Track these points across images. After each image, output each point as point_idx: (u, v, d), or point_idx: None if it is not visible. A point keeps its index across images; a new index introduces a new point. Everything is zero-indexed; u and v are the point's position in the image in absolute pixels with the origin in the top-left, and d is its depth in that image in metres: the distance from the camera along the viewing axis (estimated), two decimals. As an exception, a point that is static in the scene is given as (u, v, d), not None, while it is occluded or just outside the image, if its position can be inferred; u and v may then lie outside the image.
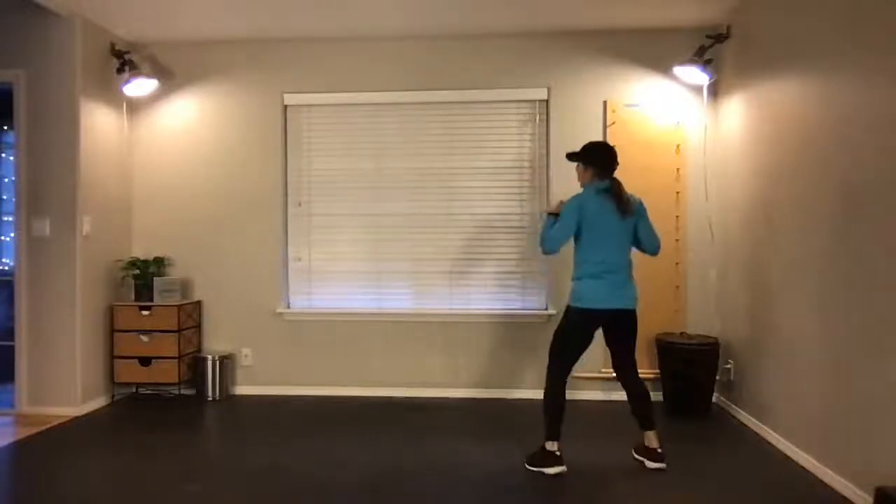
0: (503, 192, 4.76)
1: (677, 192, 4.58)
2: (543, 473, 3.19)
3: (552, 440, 3.20)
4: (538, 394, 4.50)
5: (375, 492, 3.01)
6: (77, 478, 3.25)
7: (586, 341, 3.24)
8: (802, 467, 3.27)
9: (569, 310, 3.23)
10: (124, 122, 4.80)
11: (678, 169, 4.58)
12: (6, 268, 5.80)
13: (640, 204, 3.34)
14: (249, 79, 4.84)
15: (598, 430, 3.93)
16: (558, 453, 3.19)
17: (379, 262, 4.85)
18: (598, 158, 3.28)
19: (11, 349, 4.35)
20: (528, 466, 3.25)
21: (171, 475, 3.24)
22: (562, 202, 3.26)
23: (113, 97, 4.64)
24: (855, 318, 2.87)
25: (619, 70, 4.62)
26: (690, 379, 4.16)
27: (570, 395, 4.51)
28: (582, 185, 3.32)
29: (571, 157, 3.35)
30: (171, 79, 4.86)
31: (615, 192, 3.21)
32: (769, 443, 3.65)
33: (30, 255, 4.31)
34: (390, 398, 4.66)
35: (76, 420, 4.20)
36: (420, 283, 4.83)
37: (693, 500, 2.93)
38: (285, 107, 4.86)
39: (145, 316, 4.59)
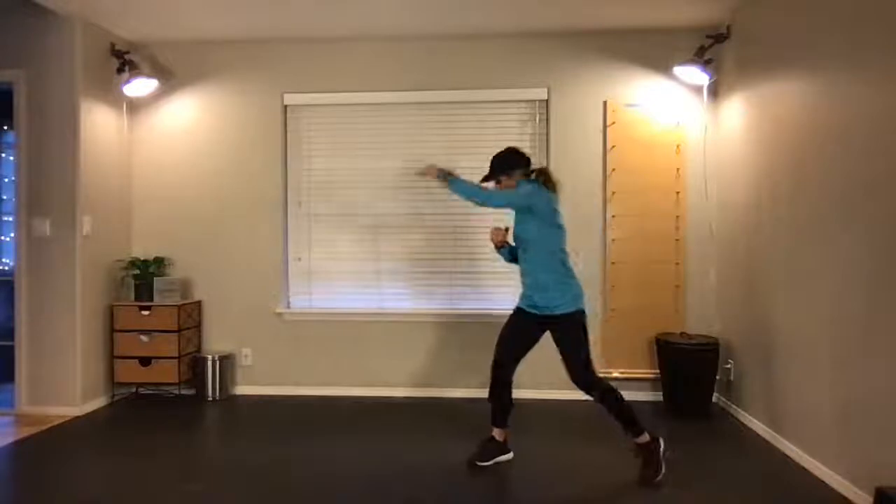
0: (503, 192, 4.75)
1: (677, 192, 4.58)
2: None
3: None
4: (537, 393, 4.51)
5: (375, 492, 3.01)
6: (77, 478, 3.25)
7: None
8: (802, 467, 3.27)
9: (582, 314, 3.19)
10: (124, 122, 4.80)
11: (678, 169, 4.58)
12: (6, 268, 5.79)
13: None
14: (249, 79, 4.84)
15: (599, 431, 3.92)
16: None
17: (379, 262, 4.85)
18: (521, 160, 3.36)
19: (11, 349, 4.35)
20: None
21: (171, 475, 3.24)
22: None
23: (113, 97, 4.64)
24: (855, 317, 2.87)
25: (619, 70, 4.61)
26: (690, 379, 4.16)
27: (571, 394, 4.55)
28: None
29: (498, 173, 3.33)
30: (171, 79, 4.86)
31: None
32: (769, 443, 3.65)
33: (30, 255, 4.31)
34: (390, 398, 4.66)
35: (76, 420, 4.19)
36: (420, 283, 4.82)
37: (693, 499, 2.93)
38: (285, 107, 4.86)
39: (145, 316, 4.58)
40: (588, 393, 3.17)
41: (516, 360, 3.31)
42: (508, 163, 3.31)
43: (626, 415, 3.13)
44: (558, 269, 3.19)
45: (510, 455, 3.37)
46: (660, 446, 3.12)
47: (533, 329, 3.25)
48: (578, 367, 3.14)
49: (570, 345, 3.15)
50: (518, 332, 3.30)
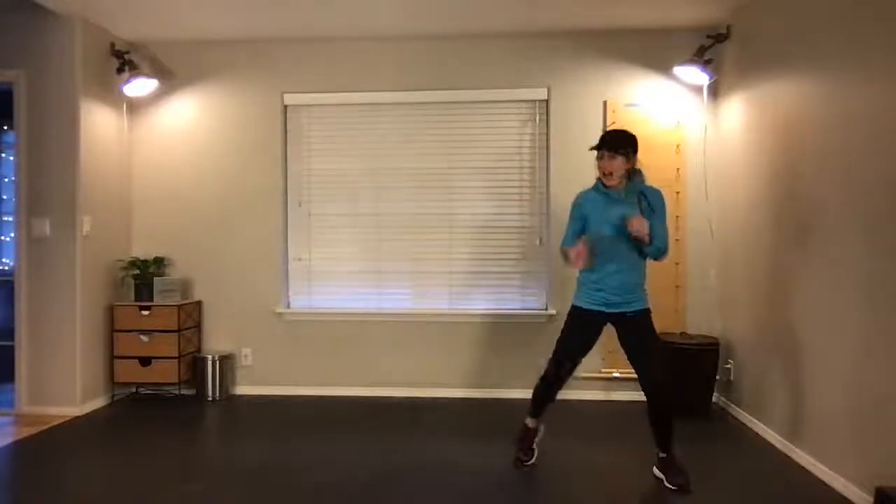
0: (503, 192, 4.76)
1: (677, 192, 4.58)
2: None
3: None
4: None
5: (375, 492, 3.01)
6: (77, 478, 3.25)
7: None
8: (802, 467, 3.27)
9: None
10: (124, 122, 4.80)
11: (678, 169, 4.58)
12: (6, 268, 5.80)
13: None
14: (249, 79, 4.84)
15: (597, 430, 3.93)
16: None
17: (379, 262, 4.85)
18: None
19: (11, 349, 4.35)
20: None
21: (171, 475, 3.24)
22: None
23: (113, 97, 4.64)
24: (855, 317, 2.87)
25: (619, 70, 4.61)
26: (690, 379, 4.15)
27: (572, 395, 4.55)
28: (618, 181, 3.05)
29: (619, 147, 3.02)
30: (171, 79, 4.86)
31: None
32: (769, 443, 3.65)
33: (30, 255, 4.31)
34: (390, 398, 4.66)
35: (76, 420, 4.19)
36: (420, 283, 4.82)
37: (693, 500, 2.93)
38: (285, 107, 4.86)
39: (145, 316, 4.58)
40: (656, 396, 3.02)
41: (578, 363, 3.22)
42: (634, 145, 3.05)
43: (671, 429, 3.06)
44: (644, 268, 3.13)
45: (542, 430, 3.37)
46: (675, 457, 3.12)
47: (598, 330, 3.16)
48: (663, 363, 3.05)
49: (654, 340, 3.08)
50: (585, 334, 3.16)
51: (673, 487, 3.02)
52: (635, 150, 3.07)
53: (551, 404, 3.32)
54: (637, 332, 3.07)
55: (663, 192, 3.13)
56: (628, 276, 3.06)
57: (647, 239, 2.93)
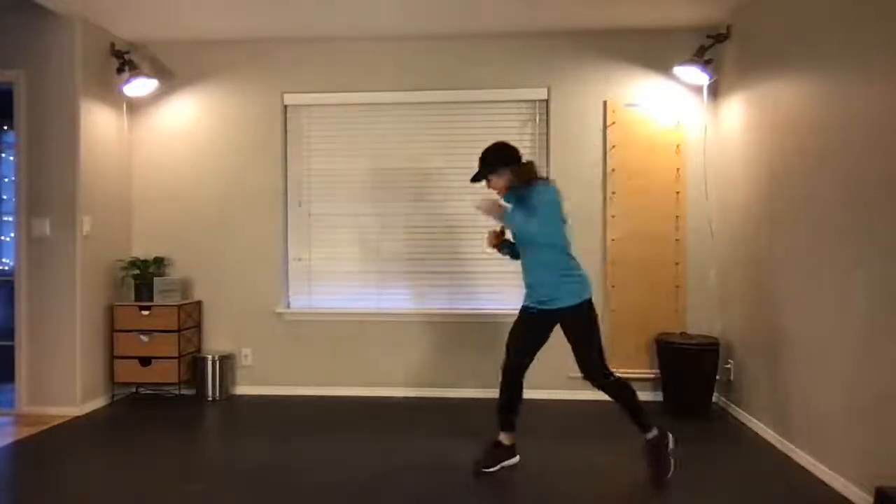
0: (503, 192, 4.75)
1: (677, 192, 4.58)
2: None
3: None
4: (535, 393, 4.49)
5: (375, 492, 3.01)
6: (77, 478, 3.25)
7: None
8: (802, 467, 3.27)
9: (588, 305, 3.12)
10: (124, 122, 4.80)
11: (678, 169, 4.58)
12: (6, 268, 5.80)
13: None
14: (249, 79, 4.84)
15: (597, 430, 3.92)
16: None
17: (379, 262, 4.85)
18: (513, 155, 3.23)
19: (11, 349, 4.35)
20: None
21: (171, 475, 3.24)
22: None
23: (113, 97, 4.64)
24: (855, 318, 2.87)
25: (619, 70, 4.61)
26: (690, 379, 4.16)
27: (570, 394, 4.56)
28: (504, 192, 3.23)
29: (484, 174, 3.24)
30: (171, 79, 4.86)
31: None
32: (769, 443, 3.65)
33: (30, 255, 4.31)
34: (390, 398, 4.66)
35: (76, 420, 4.19)
36: (420, 283, 4.82)
37: (692, 500, 2.93)
38: (285, 107, 4.86)
39: (145, 316, 4.58)
40: (599, 387, 3.13)
41: (527, 363, 3.21)
42: (503, 159, 3.20)
43: (636, 410, 3.09)
44: (563, 263, 3.11)
45: (517, 459, 3.29)
46: (668, 441, 3.12)
47: (542, 327, 3.17)
48: (589, 360, 3.09)
49: (581, 337, 3.09)
50: (527, 333, 3.20)
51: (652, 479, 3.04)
52: (505, 162, 3.21)
53: (519, 414, 3.30)
54: (569, 328, 3.13)
55: (552, 190, 3.12)
56: (541, 274, 3.13)
57: (494, 214, 3.09)
